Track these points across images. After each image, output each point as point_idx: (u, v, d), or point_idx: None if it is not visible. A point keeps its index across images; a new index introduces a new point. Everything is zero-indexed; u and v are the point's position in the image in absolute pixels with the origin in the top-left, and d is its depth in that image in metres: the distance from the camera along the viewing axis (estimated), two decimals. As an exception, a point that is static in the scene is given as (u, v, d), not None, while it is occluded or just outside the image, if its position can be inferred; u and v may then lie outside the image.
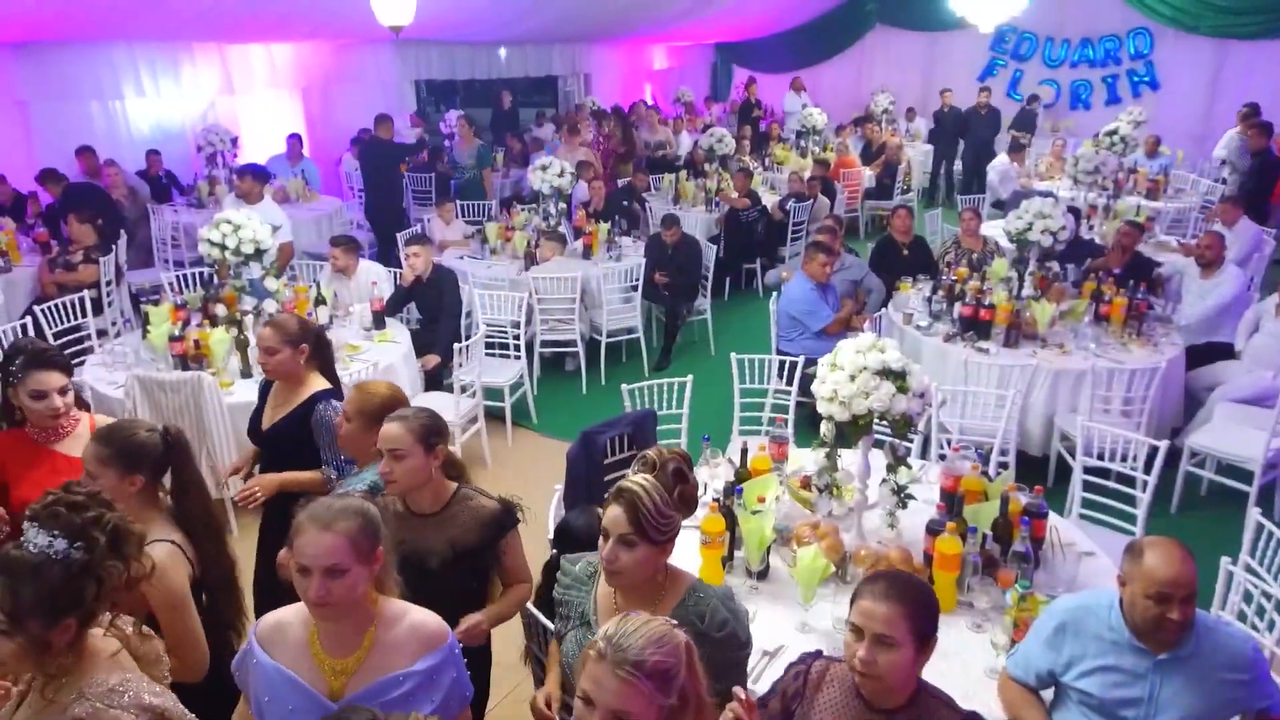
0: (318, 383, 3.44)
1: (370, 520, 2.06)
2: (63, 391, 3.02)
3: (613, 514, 2.14)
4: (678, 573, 2.29)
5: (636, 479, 2.18)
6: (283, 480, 3.30)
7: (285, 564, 2.63)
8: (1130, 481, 4.17)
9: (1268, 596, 3.14)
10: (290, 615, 2.11)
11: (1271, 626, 3.07)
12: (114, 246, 7.20)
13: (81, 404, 3.25)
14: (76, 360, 5.07)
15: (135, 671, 1.96)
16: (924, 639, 2.04)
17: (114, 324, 6.87)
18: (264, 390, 3.57)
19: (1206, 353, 5.96)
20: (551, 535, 3.25)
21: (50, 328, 6.02)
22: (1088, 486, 4.21)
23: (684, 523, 3.37)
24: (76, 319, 6.20)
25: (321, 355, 3.50)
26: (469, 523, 2.67)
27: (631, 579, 2.16)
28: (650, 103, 14.56)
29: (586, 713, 1.67)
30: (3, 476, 3.00)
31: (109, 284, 6.97)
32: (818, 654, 2.26)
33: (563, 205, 8.06)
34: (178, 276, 6.89)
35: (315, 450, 3.32)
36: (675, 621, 1.77)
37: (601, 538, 2.16)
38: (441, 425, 2.70)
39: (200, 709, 2.19)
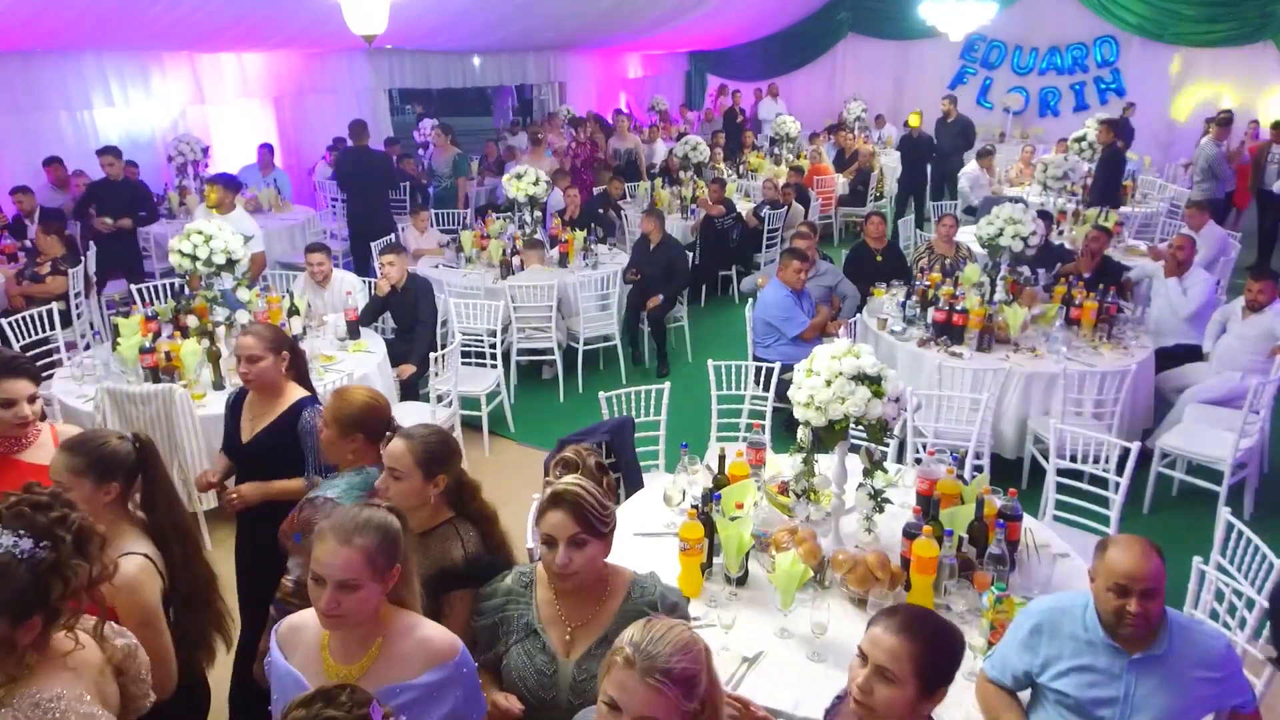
0: (296, 391, 3.38)
1: (390, 536, 2.04)
2: (31, 400, 2.96)
3: (555, 520, 2.13)
4: (616, 568, 2.29)
5: (567, 480, 2.16)
6: (265, 490, 3.23)
7: (286, 533, 2.72)
8: (1103, 483, 4.22)
9: (1239, 594, 3.18)
10: (308, 618, 2.11)
11: (1243, 624, 3.11)
12: (82, 258, 7.11)
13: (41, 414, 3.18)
14: (45, 373, 4.99)
15: (84, 679, 1.94)
16: (931, 684, 1.91)
17: (83, 336, 6.77)
18: (233, 405, 3.44)
19: (1175, 355, 6.05)
20: (530, 544, 3.23)
21: (18, 341, 5.92)
22: (1061, 488, 4.24)
23: (663, 530, 3.41)
24: (45, 331, 6.12)
25: (297, 364, 3.45)
26: (426, 561, 2.47)
27: (584, 578, 2.15)
28: (625, 110, 14.60)
29: (611, 718, 1.69)
30: None
31: (78, 295, 6.88)
32: (844, 695, 2.15)
33: (538, 214, 8.05)
34: (148, 287, 6.82)
35: (297, 460, 3.26)
36: (692, 626, 1.78)
37: (545, 546, 2.15)
38: (446, 453, 2.55)
39: None
